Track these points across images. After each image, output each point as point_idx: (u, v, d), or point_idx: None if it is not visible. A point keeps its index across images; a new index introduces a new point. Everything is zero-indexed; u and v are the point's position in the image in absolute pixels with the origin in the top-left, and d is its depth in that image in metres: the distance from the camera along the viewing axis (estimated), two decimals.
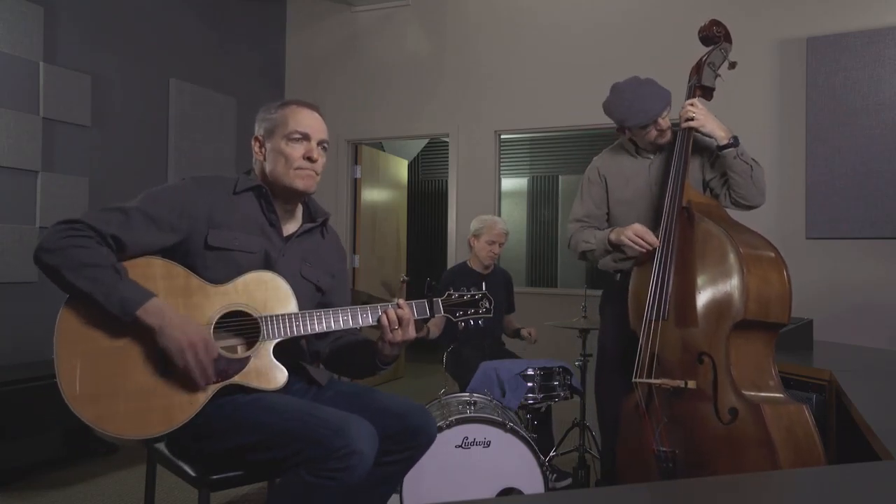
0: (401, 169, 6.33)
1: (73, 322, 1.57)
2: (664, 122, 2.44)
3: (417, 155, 7.69)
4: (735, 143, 2.32)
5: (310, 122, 1.82)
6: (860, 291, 3.88)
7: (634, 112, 2.40)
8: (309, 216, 1.96)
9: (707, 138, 2.42)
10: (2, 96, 3.59)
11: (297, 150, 1.80)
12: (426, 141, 7.22)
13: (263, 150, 1.84)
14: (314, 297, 1.91)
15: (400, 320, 1.76)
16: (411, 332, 1.78)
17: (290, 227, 1.88)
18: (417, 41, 5.21)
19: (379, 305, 1.79)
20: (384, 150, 6.24)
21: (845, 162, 3.89)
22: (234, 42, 5.14)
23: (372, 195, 5.77)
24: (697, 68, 2.43)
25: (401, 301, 1.78)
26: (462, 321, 1.88)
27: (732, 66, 2.43)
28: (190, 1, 4.76)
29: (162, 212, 1.68)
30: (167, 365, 1.60)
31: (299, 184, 1.80)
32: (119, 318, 1.54)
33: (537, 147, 7.42)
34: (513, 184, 7.48)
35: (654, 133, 2.45)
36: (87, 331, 1.57)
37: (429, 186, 8.05)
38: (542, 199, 7.45)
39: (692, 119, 2.31)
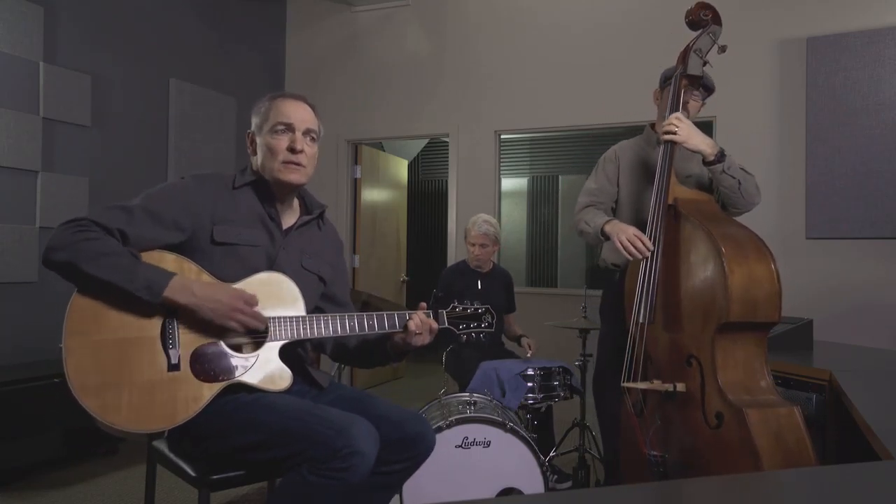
0: (401, 169, 6.33)
1: (83, 312, 1.57)
2: (695, 104, 2.43)
3: (417, 155, 7.69)
4: (721, 158, 2.25)
5: (293, 111, 1.80)
6: (860, 291, 3.88)
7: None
8: (306, 209, 1.96)
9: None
10: (2, 96, 3.59)
11: (281, 142, 1.78)
12: (426, 141, 7.22)
13: (254, 145, 1.85)
14: (318, 287, 1.92)
15: (423, 324, 1.83)
16: (428, 338, 1.85)
17: (288, 220, 1.89)
18: (417, 41, 5.21)
19: (385, 314, 1.82)
20: (384, 150, 6.24)
21: (845, 162, 3.88)
22: (234, 42, 5.14)
23: (372, 195, 5.76)
24: (684, 56, 2.30)
25: (419, 314, 1.83)
26: (464, 334, 1.93)
27: (723, 49, 2.27)
28: (190, 1, 4.76)
29: (165, 209, 1.68)
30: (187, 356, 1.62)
31: (287, 177, 1.79)
32: (145, 301, 1.56)
33: (537, 147, 7.42)
34: (513, 184, 7.47)
35: (690, 102, 2.42)
36: (96, 322, 1.57)
37: (429, 186, 8.05)
38: (542, 199, 7.45)
39: (675, 134, 2.22)
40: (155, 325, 1.61)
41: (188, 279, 1.62)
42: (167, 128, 4.58)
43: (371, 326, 1.79)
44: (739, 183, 2.29)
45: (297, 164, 1.79)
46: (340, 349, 2.00)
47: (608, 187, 2.60)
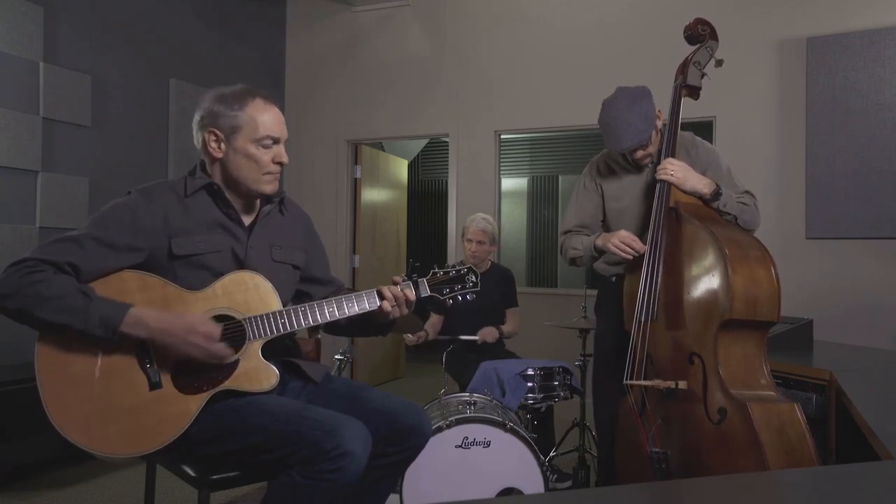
0: (401, 169, 6.33)
1: (53, 350, 1.55)
2: (649, 148, 2.40)
3: (417, 155, 7.69)
4: (716, 197, 2.27)
5: (278, 124, 1.78)
6: (860, 291, 3.88)
7: (614, 140, 2.36)
8: (266, 198, 1.90)
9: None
10: (2, 96, 3.58)
11: (267, 156, 1.75)
12: (426, 141, 7.22)
13: (223, 147, 1.76)
14: (294, 275, 1.89)
15: (396, 298, 1.78)
16: (405, 309, 1.81)
17: (249, 215, 1.84)
18: (417, 41, 5.21)
19: (364, 292, 1.77)
20: (384, 150, 6.24)
21: (845, 162, 3.88)
22: (234, 42, 5.14)
23: (372, 195, 5.77)
24: (683, 67, 2.40)
25: (390, 289, 1.78)
26: (450, 298, 1.84)
27: (719, 63, 2.39)
28: (190, 1, 4.76)
29: (115, 234, 1.63)
30: (160, 377, 1.60)
31: (268, 188, 1.78)
32: (104, 339, 1.53)
33: (537, 147, 7.42)
34: (513, 184, 7.48)
35: (639, 154, 2.41)
36: (67, 356, 1.55)
37: (429, 186, 8.05)
38: (542, 199, 7.45)
39: (671, 177, 2.25)
40: (129, 345, 1.58)
41: (143, 311, 1.57)
42: (167, 128, 4.57)
43: (351, 308, 1.75)
44: (736, 218, 2.30)
45: (278, 174, 1.79)
46: (332, 325, 1.95)
47: (590, 222, 2.58)
